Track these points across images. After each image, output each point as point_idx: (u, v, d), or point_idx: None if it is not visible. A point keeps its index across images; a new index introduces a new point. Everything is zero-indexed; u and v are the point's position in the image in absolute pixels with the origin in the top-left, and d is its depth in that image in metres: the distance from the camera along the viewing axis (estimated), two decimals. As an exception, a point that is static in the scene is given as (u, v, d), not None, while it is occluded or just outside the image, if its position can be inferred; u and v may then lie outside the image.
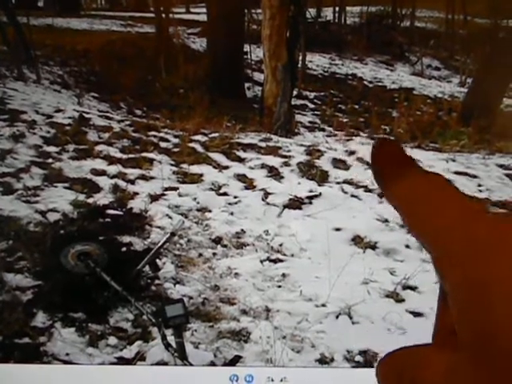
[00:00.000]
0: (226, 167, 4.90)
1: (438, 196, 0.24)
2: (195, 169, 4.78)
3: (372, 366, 2.50)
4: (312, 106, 10.53)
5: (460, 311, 0.20)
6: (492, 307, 0.18)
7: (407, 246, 3.75)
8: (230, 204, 4.16)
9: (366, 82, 12.74)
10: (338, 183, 4.69)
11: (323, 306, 2.98)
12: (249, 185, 4.55)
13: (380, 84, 12.78)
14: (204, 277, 3.22)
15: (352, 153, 5.50)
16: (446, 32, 17.11)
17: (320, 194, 4.38)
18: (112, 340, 2.62)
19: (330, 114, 9.84)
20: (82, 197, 3.98)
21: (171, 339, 2.11)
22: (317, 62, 13.87)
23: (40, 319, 2.70)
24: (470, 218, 0.22)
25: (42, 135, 5.18)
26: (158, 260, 3.22)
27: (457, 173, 5.14)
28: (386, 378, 0.25)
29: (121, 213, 3.85)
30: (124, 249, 3.39)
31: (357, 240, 3.75)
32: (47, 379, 1.08)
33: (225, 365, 2.41)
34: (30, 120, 5.54)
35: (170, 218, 3.81)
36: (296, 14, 7.49)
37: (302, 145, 5.83)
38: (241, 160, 5.11)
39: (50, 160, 4.64)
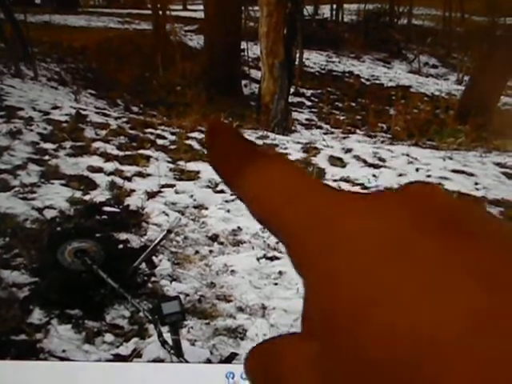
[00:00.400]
0: (223, 165, 4.89)
1: (286, 181, 0.22)
2: (192, 166, 4.78)
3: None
4: (309, 103, 10.53)
5: (311, 301, 0.20)
6: (337, 298, 0.18)
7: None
8: (226, 201, 4.16)
9: (363, 80, 12.76)
10: (334, 181, 4.70)
11: (319, 303, 2.98)
12: (246, 182, 4.55)
13: (377, 82, 12.79)
14: (200, 274, 3.22)
15: (349, 150, 5.51)
16: (444, 30, 17.14)
17: (317, 191, 4.38)
18: (108, 337, 2.62)
19: (327, 112, 9.84)
20: (78, 194, 3.98)
21: (167, 336, 2.11)
22: (314, 59, 13.87)
23: (36, 316, 2.70)
24: (321, 203, 0.21)
25: (39, 132, 5.17)
26: (154, 257, 3.23)
27: (454, 171, 5.15)
28: (254, 373, 0.23)
29: (117, 210, 3.85)
30: (121, 246, 3.39)
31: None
32: (43, 376, 1.08)
33: (221, 362, 2.42)
34: (26, 117, 5.53)
35: (167, 215, 3.81)
36: (293, 12, 7.50)
37: (298, 142, 5.83)
38: (238, 157, 5.11)
39: (47, 157, 4.63)
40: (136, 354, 2.48)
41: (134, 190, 4.18)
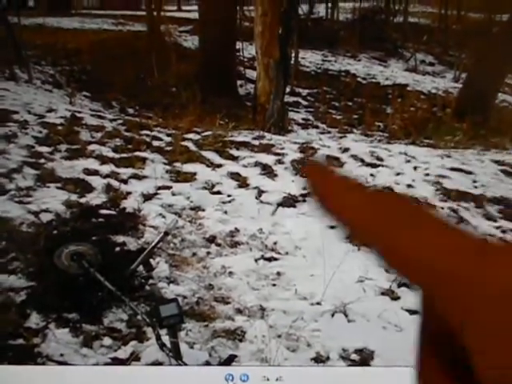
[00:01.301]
0: (219, 165, 4.88)
1: (413, 221, 0.22)
2: (188, 167, 4.76)
3: (368, 365, 2.49)
4: (305, 103, 10.52)
5: (478, 350, 0.20)
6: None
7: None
8: (223, 203, 4.15)
9: (359, 79, 12.74)
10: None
11: (318, 304, 2.97)
12: (242, 183, 4.53)
13: (373, 80, 12.78)
14: (198, 276, 3.20)
15: (346, 150, 5.49)
16: (440, 27, 17.16)
17: (314, 191, 4.36)
18: (106, 340, 2.60)
19: (324, 111, 9.83)
20: (74, 197, 3.96)
21: (166, 339, 2.09)
22: (309, 58, 13.87)
23: (34, 320, 2.68)
24: (464, 251, 0.21)
25: (34, 135, 5.14)
26: (151, 259, 3.21)
27: (452, 169, 5.13)
28: None
29: (114, 212, 3.83)
30: (118, 249, 3.37)
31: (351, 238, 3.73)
32: (41, 380, 1.08)
33: (220, 364, 2.40)
34: (21, 120, 5.50)
35: (164, 217, 3.80)
36: (288, 11, 7.48)
37: (295, 142, 5.82)
38: (234, 158, 5.10)
39: (43, 160, 4.61)
40: (134, 358, 2.46)
41: (130, 193, 4.16)
